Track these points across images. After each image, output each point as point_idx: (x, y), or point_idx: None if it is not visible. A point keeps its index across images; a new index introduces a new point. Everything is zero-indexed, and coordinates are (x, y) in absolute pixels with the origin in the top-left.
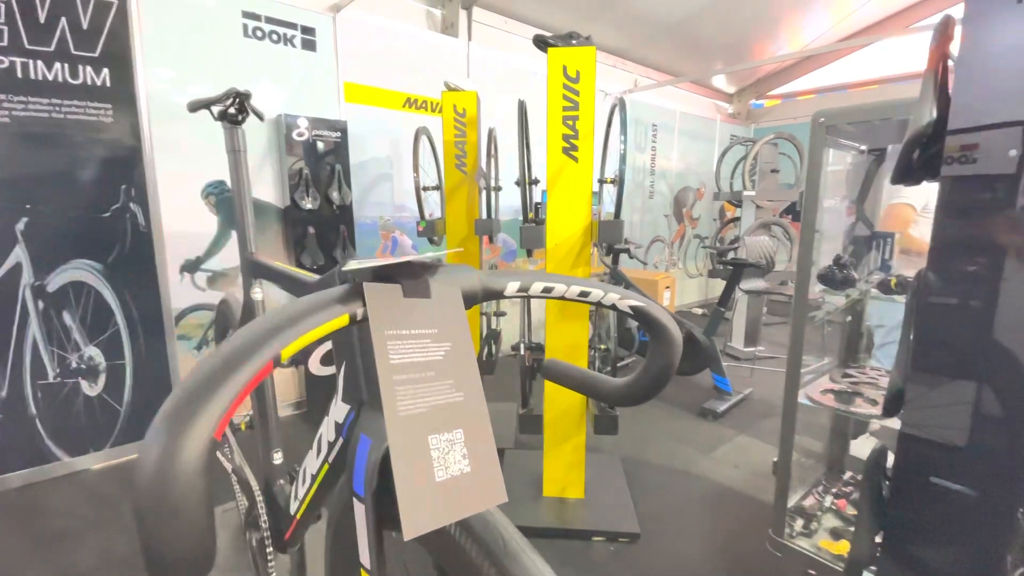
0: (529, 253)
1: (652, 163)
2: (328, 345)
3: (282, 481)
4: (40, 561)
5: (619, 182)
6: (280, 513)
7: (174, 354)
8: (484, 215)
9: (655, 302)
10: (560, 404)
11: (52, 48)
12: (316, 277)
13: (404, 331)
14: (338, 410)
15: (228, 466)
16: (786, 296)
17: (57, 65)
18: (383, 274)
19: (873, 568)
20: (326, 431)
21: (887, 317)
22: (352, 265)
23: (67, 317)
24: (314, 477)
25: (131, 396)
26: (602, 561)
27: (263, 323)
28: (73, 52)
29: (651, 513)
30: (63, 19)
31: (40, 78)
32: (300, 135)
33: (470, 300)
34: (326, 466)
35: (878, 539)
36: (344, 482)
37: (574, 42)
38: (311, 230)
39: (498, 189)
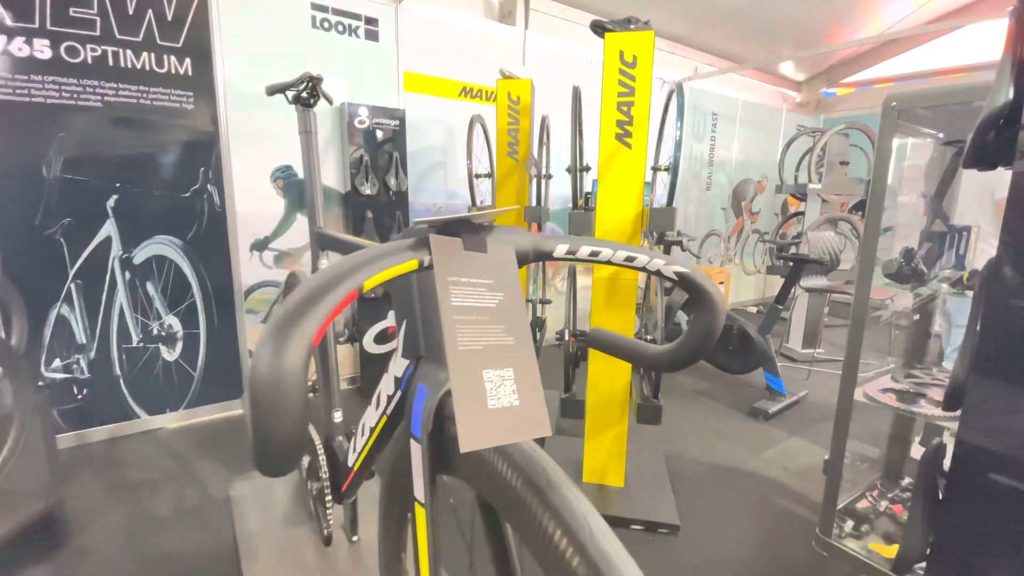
0: None
1: (711, 153)
2: (381, 325)
3: (340, 438)
4: (122, 505)
5: (673, 169)
6: (339, 466)
7: (242, 326)
8: (534, 203)
9: (697, 269)
10: (603, 390)
11: (140, 38)
12: (378, 244)
13: (464, 279)
14: (397, 366)
15: None
16: (850, 296)
17: (144, 54)
18: (447, 231)
19: (922, 565)
20: (384, 386)
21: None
22: (420, 221)
23: (150, 288)
24: (372, 429)
25: (204, 363)
26: (641, 550)
27: (350, 260)
28: (159, 42)
29: (692, 507)
30: (150, 11)
31: (129, 66)
32: (361, 123)
33: (522, 258)
34: (384, 418)
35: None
36: (402, 429)
37: (632, 27)
38: (369, 214)
39: (548, 177)
